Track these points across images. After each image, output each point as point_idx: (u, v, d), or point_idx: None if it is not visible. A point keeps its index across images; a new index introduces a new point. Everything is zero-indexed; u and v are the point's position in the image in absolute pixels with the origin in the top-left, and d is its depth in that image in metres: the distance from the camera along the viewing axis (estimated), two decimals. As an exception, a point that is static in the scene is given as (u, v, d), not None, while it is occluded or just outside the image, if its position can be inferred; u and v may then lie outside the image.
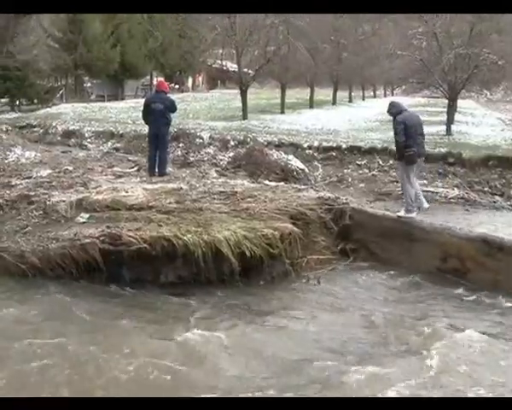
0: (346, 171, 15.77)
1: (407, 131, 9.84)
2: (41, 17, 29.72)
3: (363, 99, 46.70)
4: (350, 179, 15.07)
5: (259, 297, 8.26)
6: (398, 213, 9.95)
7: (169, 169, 13.08)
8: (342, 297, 8.33)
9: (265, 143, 17.14)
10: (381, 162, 16.12)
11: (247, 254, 8.34)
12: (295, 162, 13.95)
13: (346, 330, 7.21)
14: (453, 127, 22.34)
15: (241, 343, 6.84)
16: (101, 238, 8.64)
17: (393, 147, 16.06)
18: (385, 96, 54.61)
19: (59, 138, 23.05)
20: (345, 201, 10.24)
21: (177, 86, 51.50)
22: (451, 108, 22.77)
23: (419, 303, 8.16)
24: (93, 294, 8.28)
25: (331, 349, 6.73)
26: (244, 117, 25.99)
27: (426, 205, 10.11)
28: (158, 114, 12.42)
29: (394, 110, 10.18)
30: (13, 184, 11.61)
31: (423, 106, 38.06)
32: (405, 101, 43.52)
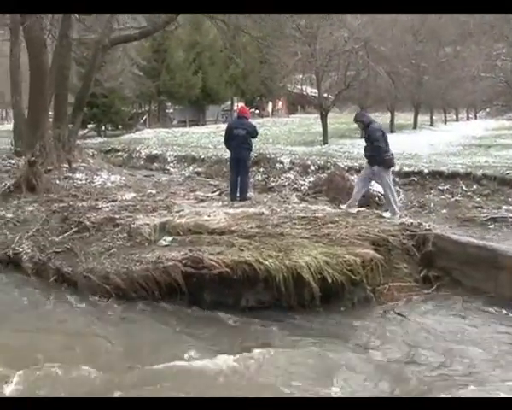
0: (427, 196, 15.46)
1: (384, 137, 10.98)
2: (127, 47, 30.74)
3: (445, 123, 45.81)
4: (432, 205, 14.76)
5: (340, 323, 8.15)
6: (385, 214, 10.85)
7: (250, 194, 13.21)
8: (421, 327, 8.02)
9: (346, 168, 17.06)
10: (464, 187, 15.74)
11: (329, 279, 8.28)
12: (377, 188, 13.79)
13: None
14: (540, 151, 21.66)
15: (321, 368, 6.77)
16: (184, 261, 8.78)
17: (477, 172, 15.85)
18: (467, 119, 53.41)
19: (142, 162, 23.73)
20: (427, 227, 10.02)
21: (257, 111, 52.08)
22: (539, 132, 22.10)
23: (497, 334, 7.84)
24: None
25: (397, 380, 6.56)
26: (324, 142, 26.01)
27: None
28: (240, 139, 12.57)
29: (366, 119, 11.39)
30: (99, 206, 12.00)
31: (508, 129, 37.03)
32: (489, 124, 42.67)
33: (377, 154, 10.95)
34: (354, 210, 10.97)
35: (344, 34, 25.97)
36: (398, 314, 8.40)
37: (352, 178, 14.35)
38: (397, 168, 17.23)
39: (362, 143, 27.18)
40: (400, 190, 15.83)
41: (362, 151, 22.91)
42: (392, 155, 11.10)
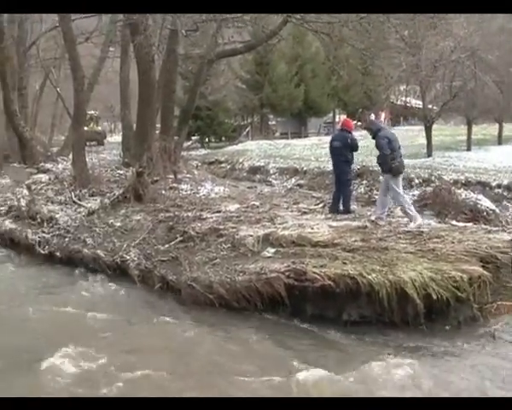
0: (541, 211, 14.86)
1: (390, 145, 10.98)
2: (231, 60, 31.31)
3: (558, 134, 43.77)
4: (547, 220, 14.14)
5: (446, 343, 7.89)
6: (411, 225, 10.61)
7: (353, 207, 13.07)
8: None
9: (451, 182, 16.63)
10: None
11: (434, 296, 8.03)
12: (485, 202, 13.37)
13: None
14: None
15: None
16: (287, 273, 8.80)
17: None
18: None
19: (245, 174, 24.05)
20: (540, 244, 9.58)
21: (359, 123, 51.66)
22: None
23: None
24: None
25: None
26: (428, 154, 25.48)
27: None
28: (336, 151, 12.52)
29: (374, 127, 11.33)
30: (203, 217, 12.22)
31: None
32: None
33: (384, 161, 11.08)
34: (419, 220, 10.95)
35: (450, 44, 25.33)
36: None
37: (459, 192, 13.93)
38: (505, 182, 16.67)
39: (467, 155, 26.47)
40: (509, 205, 15.29)
41: (468, 164, 22.44)
42: (399, 162, 11.04)
